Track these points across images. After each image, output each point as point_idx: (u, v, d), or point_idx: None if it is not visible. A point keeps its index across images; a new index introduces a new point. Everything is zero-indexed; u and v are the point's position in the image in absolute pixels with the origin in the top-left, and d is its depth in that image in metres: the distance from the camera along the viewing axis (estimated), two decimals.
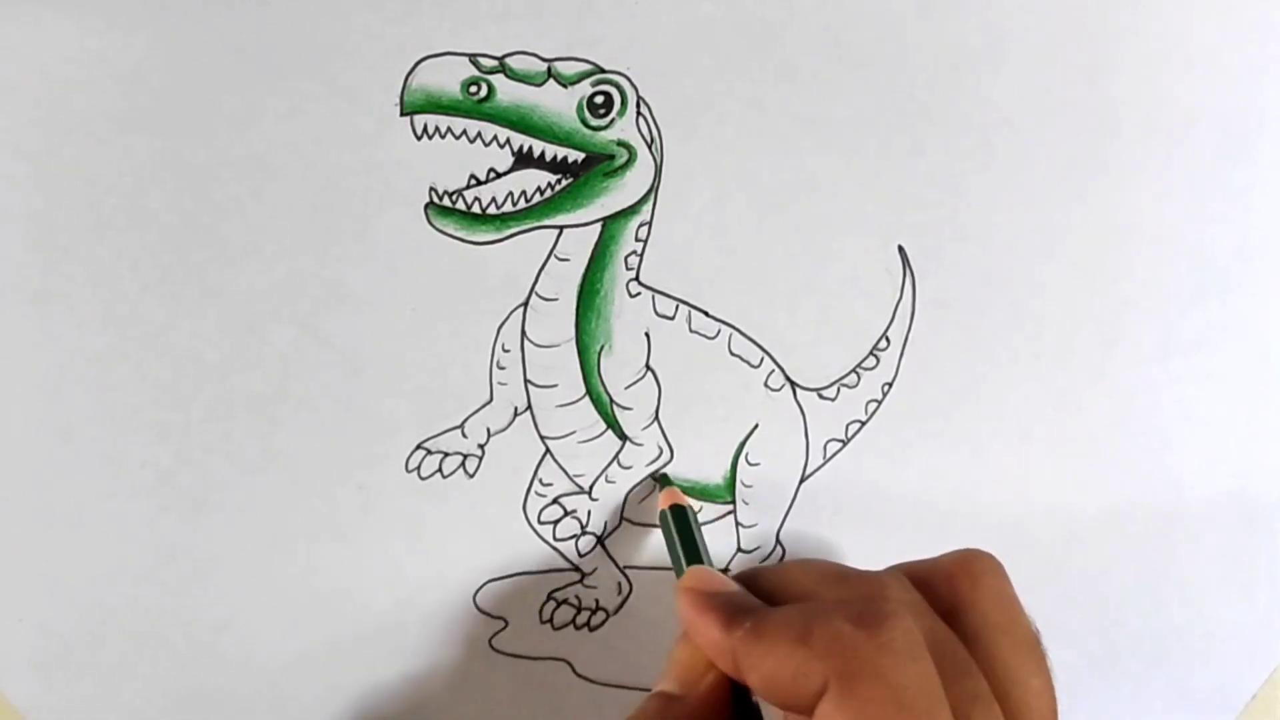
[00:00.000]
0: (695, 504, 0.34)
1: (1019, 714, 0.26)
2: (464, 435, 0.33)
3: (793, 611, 0.25)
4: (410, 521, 0.33)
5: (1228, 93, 0.35)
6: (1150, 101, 0.34)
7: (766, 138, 0.32)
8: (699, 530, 0.32)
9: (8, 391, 0.30)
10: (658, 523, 0.35)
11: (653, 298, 0.33)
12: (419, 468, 0.33)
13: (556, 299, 0.32)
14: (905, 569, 0.28)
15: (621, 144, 0.31)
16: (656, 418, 0.34)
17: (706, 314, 0.33)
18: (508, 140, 0.31)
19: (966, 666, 0.25)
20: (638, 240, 0.32)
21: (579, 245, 0.32)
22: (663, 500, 0.33)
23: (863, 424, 0.35)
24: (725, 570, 0.32)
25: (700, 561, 0.31)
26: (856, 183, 0.33)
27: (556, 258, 0.32)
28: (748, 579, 0.29)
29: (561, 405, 0.33)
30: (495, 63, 0.30)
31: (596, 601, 0.35)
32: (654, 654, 0.36)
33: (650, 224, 0.32)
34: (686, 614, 0.27)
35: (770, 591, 0.28)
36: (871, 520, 0.36)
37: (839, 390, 0.35)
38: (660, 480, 0.34)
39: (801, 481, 0.35)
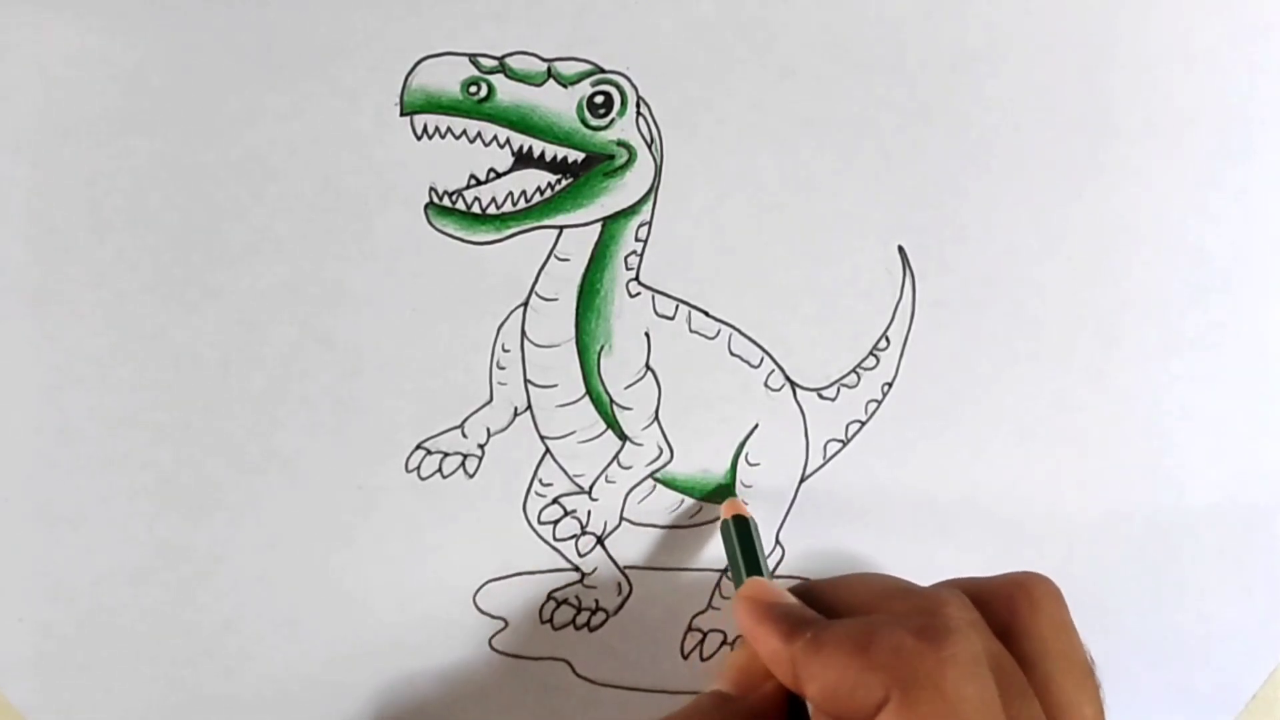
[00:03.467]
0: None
1: None
2: (464, 435, 0.33)
3: (854, 623, 0.26)
4: (410, 521, 0.33)
5: (1227, 93, 0.35)
6: (1150, 101, 0.34)
7: (766, 138, 0.32)
8: (759, 541, 0.32)
9: (8, 391, 0.30)
10: (658, 523, 0.35)
11: (653, 298, 0.33)
12: (419, 468, 0.33)
13: (556, 299, 0.32)
14: (963, 585, 0.28)
15: (621, 144, 0.31)
16: (656, 418, 0.34)
17: (706, 314, 0.33)
18: (508, 140, 0.31)
19: (1024, 689, 0.25)
20: (638, 240, 0.32)
21: (579, 245, 0.32)
22: (725, 510, 0.33)
23: (863, 424, 0.35)
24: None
25: (760, 573, 0.31)
26: (856, 183, 0.33)
27: (556, 258, 0.32)
28: (803, 592, 0.29)
29: (561, 405, 0.33)
30: (495, 63, 0.30)
31: (596, 602, 0.35)
32: (654, 654, 0.36)
33: (650, 224, 0.32)
34: (746, 623, 0.27)
35: (828, 605, 0.28)
36: (871, 520, 0.36)
37: (839, 390, 0.35)
38: (722, 491, 0.34)
39: (801, 481, 0.35)
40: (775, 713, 0.27)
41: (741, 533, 0.32)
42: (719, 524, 0.34)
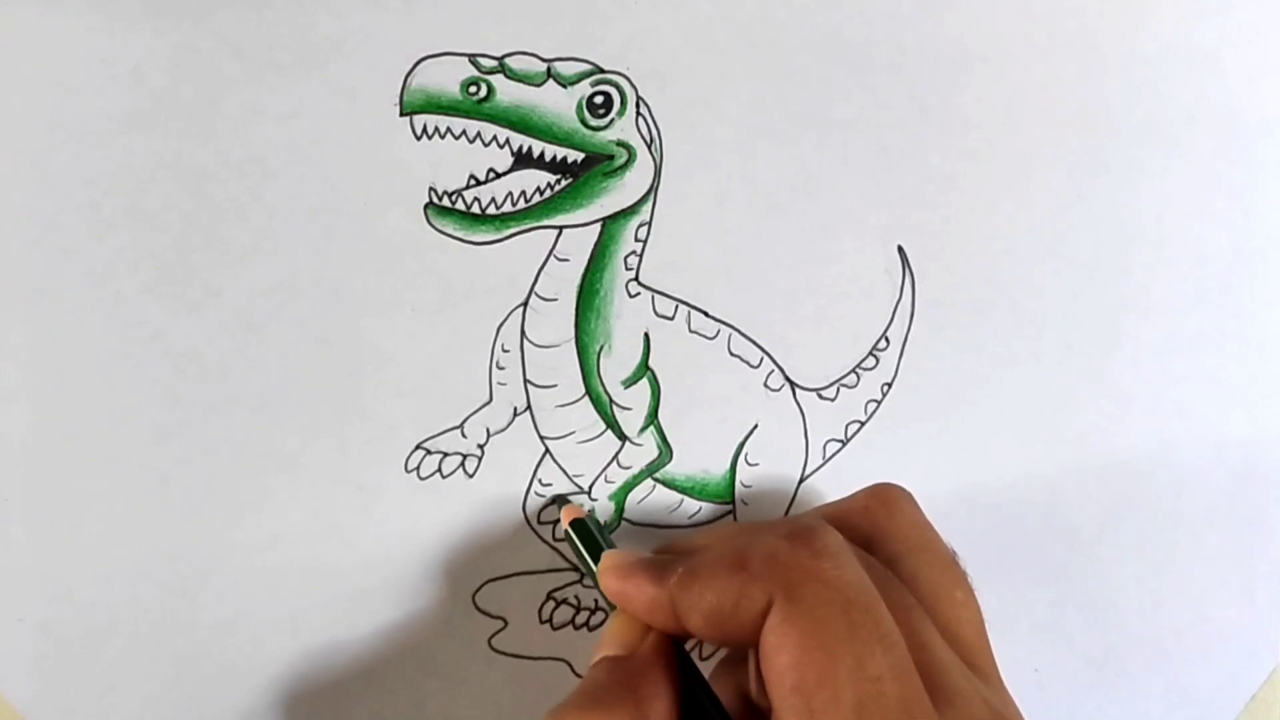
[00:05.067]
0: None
1: (946, 625, 0.27)
2: (463, 435, 0.33)
3: (724, 547, 0.26)
4: (410, 521, 0.33)
5: (1228, 93, 0.35)
6: (1150, 101, 0.34)
7: (766, 138, 0.32)
8: (600, 528, 0.32)
9: (8, 391, 0.30)
10: (657, 523, 0.35)
11: (652, 298, 0.33)
12: (419, 468, 0.33)
13: (556, 299, 0.32)
14: (820, 512, 0.29)
15: (621, 144, 0.31)
16: (656, 418, 0.34)
17: (706, 314, 0.33)
18: (507, 140, 0.31)
19: (894, 582, 0.26)
20: (637, 240, 0.32)
21: (578, 245, 0.32)
22: (564, 518, 0.33)
23: (862, 424, 0.35)
24: None
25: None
26: (856, 183, 0.33)
27: (556, 258, 0.32)
28: (666, 548, 0.30)
29: (561, 405, 0.33)
30: (495, 63, 0.30)
31: (596, 601, 0.35)
32: None
33: (650, 224, 0.32)
34: (615, 587, 0.28)
35: (686, 553, 0.28)
36: None
37: (838, 390, 0.35)
38: (558, 501, 0.34)
39: (801, 482, 0.35)
40: (663, 660, 0.27)
41: (581, 531, 0.32)
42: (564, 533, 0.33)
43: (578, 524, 0.32)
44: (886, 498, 0.30)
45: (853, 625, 0.23)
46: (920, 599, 0.27)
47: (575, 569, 0.35)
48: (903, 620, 0.25)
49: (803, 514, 0.29)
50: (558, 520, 0.34)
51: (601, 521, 0.34)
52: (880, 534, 0.29)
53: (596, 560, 0.30)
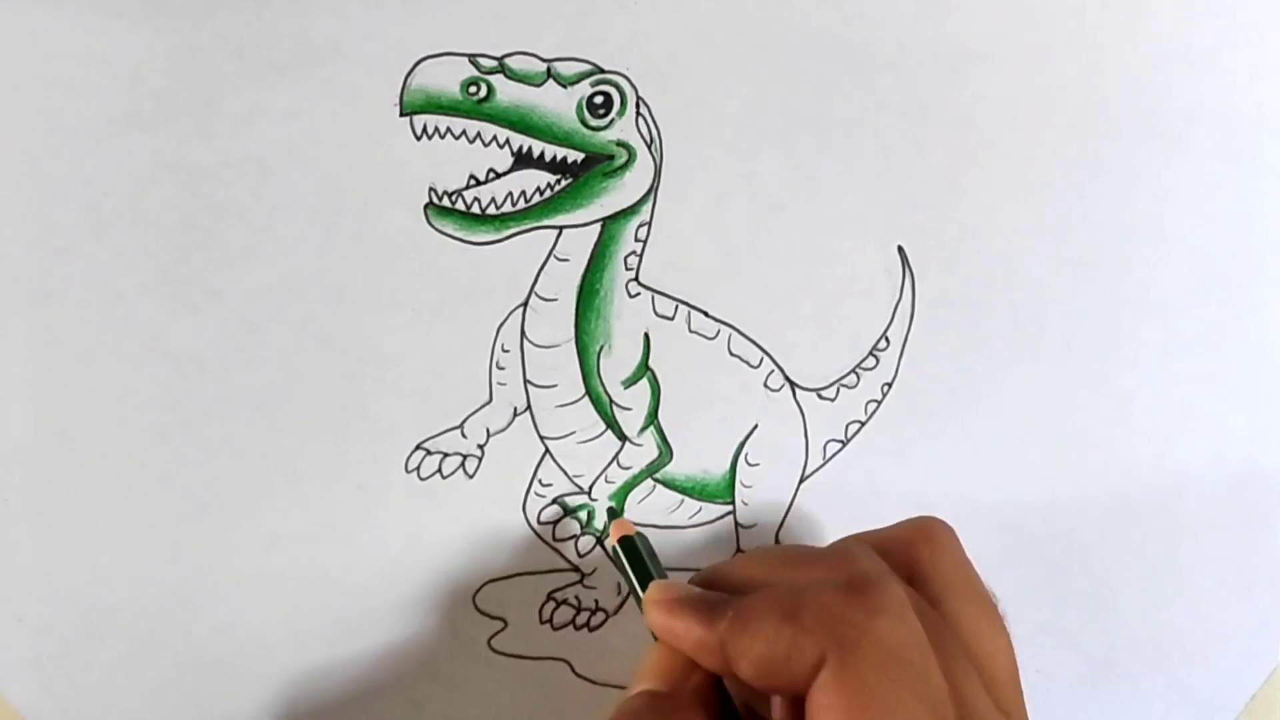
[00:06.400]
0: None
1: (985, 670, 0.26)
2: (463, 435, 0.33)
3: (775, 592, 0.25)
4: (410, 522, 0.33)
5: (1228, 93, 0.35)
6: (1150, 101, 0.34)
7: (766, 138, 0.32)
8: (651, 552, 0.32)
9: (8, 391, 0.30)
10: (658, 523, 0.35)
11: (652, 298, 0.33)
12: (419, 468, 0.33)
13: (556, 299, 0.32)
14: (863, 539, 0.29)
15: (621, 144, 0.31)
16: (656, 418, 0.34)
17: (706, 314, 0.33)
18: (507, 140, 0.31)
19: (941, 626, 0.26)
20: (637, 240, 0.32)
21: (578, 245, 0.32)
22: (614, 533, 0.32)
23: (862, 424, 0.35)
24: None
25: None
26: (856, 183, 0.33)
27: (556, 258, 0.32)
28: (705, 580, 0.29)
29: (561, 405, 0.33)
30: (495, 63, 0.30)
31: (596, 602, 0.35)
32: None
33: (650, 224, 0.32)
34: (662, 623, 0.27)
35: (734, 586, 0.28)
36: (871, 521, 0.36)
37: (838, 390, 0.35)
38: (610, 514, 0.34)
39: (801, 482, 0.35)
40: (707, 701, 0.26)
41: (630, 551, 0.31)
42: (611, 548, 0.33)
43: (626, 543, 0.31)
44: (931, 533, 0.29)
45: (904, 690, 0.23)
46: (961, 642, 0.26)
47: (575, 569, 0.35)
48: (949, 673, 0.24)
49: (848, 542, 0.28)
50: (558, 520, 0.34)
51: (603, 525, 0.34)
52: (923, 570, 0.28)
53: (643, 585, 0.29)
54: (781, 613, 0.24)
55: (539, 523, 0.34)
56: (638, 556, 0.31)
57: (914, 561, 0.28)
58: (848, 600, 0.24)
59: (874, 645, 0.23)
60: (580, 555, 0.35)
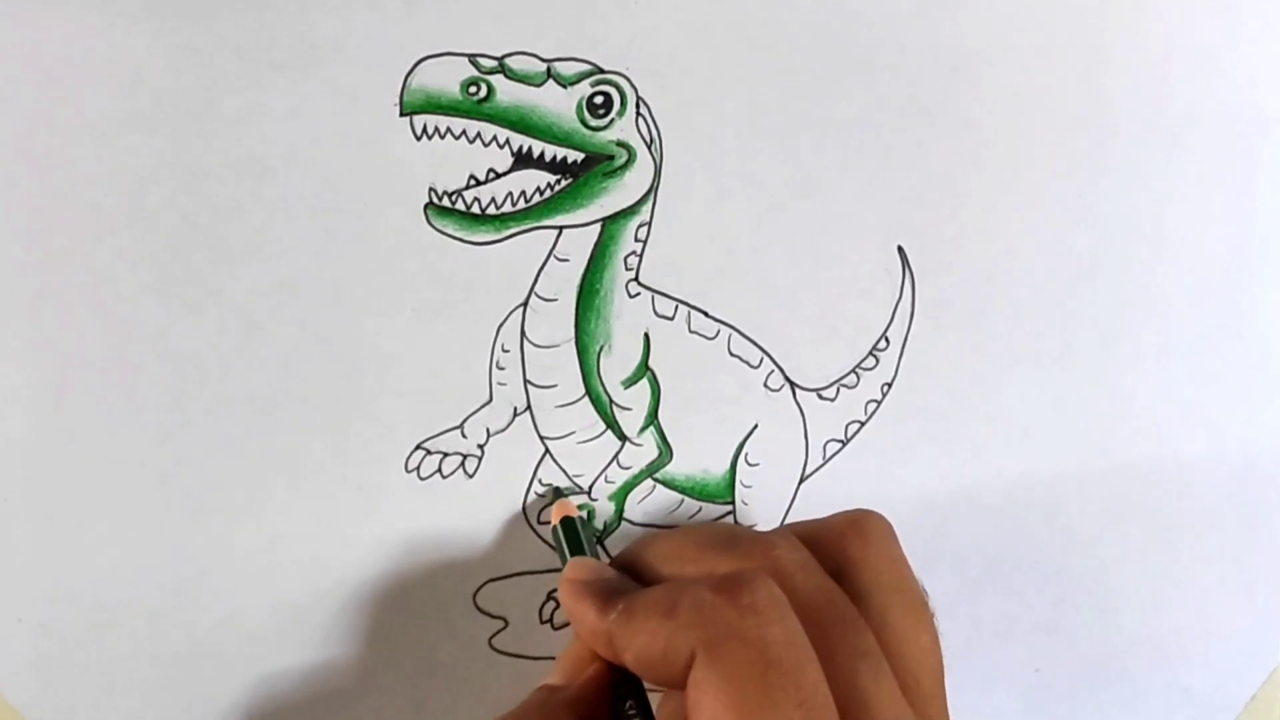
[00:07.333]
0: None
1: (907, 670, 0.26)
2: (463, 435, 0.33)
3: (661, 589, 0.26)
4: (410, 521, 0.33)
5: (1228, 93, 0.35)
6: (1150, 101, 0.34)
7: (766, 138, 0.32)
8: (587, 533, 0.32)
9: (8, 392, 0.30)
10: (658, 523, 0.35)
11: (652, 298, 0.33)
12: (419, 468, 0.33)
13: (556, 299, 0.32)
14: (795, 528, 0.29)
15: (621, 144, 0.31)
16: (656, 418, 0.34)
17: (706, 314, 0.33)
18: (507, 140, 0.31)
19: (855, 623, 0.26)
20: (637, 240, 0.32)
21: (578, 245, 0.32)
22: (555, 512, 0.32)
23: (862, 424, 0.35)
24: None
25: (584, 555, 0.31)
26: (856, 183, 0.33)
27: (556, 258, 0.32)
28: (626, 560, 0.29)
29: (561, 405, 0.33)
30: (495, 63, 0.30)
31: None
32: None
33: (650, 224, 0.32)
34: (567, 604, 0.28)
35: (648, 566, 0.28)
36: None
37: (838, 391, 0.35)
38: (554, 493, 0.34)
39: (801, 482, 0.35)
40: (598, 695, 0.27)
41: (569, 532, 0.31)
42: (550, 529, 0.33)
43: (567, 523, 0.32)
44: (864, 527, 0.29)
45: (769, 688, 0.23)
46: (884, 640, 0.26)
47: None
48: (851, 672, 0.24)
49: (775, 532, 0.28)
50: (548, 505, 0.34)
51: (603, 524, 0.34)
52: (852, 565, 0.28)
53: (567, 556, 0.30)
54: (660, 610, 0.25)
55: (539, 523, 0.34)
56: (576, 539, 0.31)
57: (842, 554, 0.28)
58: (717, 598, 0.24)
59: (741, 643, 0.23)
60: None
